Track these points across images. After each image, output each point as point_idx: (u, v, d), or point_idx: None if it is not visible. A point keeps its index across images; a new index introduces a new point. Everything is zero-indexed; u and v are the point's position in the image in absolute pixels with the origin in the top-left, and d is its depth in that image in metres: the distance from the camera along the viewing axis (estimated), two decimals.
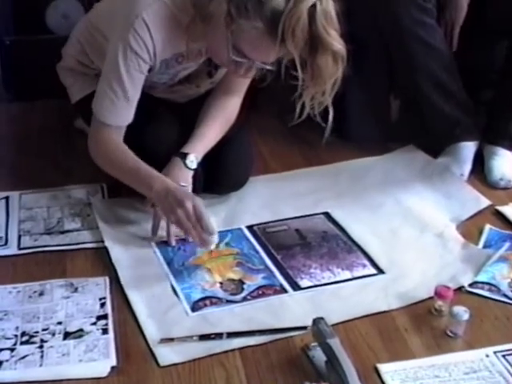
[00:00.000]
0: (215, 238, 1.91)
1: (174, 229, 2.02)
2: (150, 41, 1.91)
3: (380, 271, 1.96)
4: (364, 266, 1.98)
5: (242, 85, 2.21)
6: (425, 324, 1.77)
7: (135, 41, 1.91)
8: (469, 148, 2.47)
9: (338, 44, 1.76)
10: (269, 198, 2.28)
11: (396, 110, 2.77)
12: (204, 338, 1.69)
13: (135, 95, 2.00)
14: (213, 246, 1.93)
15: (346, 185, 2.37)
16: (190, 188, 2.06)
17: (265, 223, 2.16)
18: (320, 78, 1.81)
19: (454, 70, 2.48)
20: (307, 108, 1.87)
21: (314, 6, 1.70)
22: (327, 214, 2.20)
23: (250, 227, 2.13)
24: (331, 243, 2.07)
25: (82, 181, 2.32)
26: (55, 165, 2.44)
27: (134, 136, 2.05)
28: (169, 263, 1.96)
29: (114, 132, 2.04)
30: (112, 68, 1.97)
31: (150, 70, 2.01)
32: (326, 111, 1.89)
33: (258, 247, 2.04)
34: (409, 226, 2.15)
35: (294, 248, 2.05)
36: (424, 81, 2.45)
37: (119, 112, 2.02)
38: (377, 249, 2.04)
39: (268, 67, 1.88)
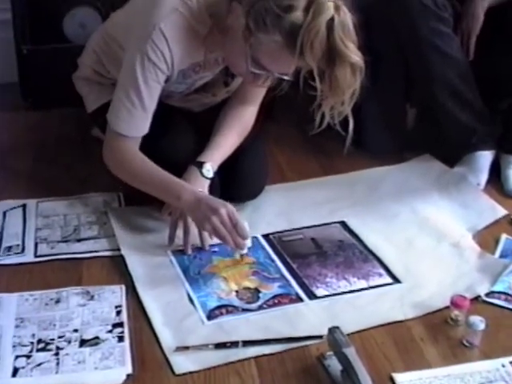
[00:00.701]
0: (248, 242, 1.93)
1: (189, 237, 2.03)
2: (167, 51, 1.92)
3: (396, 280, 1.96)
4: (380, 275, 1.98)
5: (258, 94, 2.21)
6: (441, 334, 1.77)
7: (153, 51, 1.92)
8: (485, 157, 2.46)
9: (355, 56, 1.77)
10: (285, 207, 2.28)
11: (412, 118, 2.77)
12: (219, 346, 1.69)
13: (152, 105, 2.01)
14: (245, 250, 1.94)
15: (362, 194, 2.37)
16: None
17: (281, 232, 2.16)
18: (338, 89, 1.81)
19: (471, 79, 2.48)
20: (327, 117, 1.87)
21: (332, 18, 1.71)
22: (343, 223, 2.20)
23: (265, 236, 2.14)
24: (347, 252, 2.07)
25: (98, 189, 2.33)
26: (72, 173, 2.45)
27: (150, 145, 2.05)
28: (185, 271, 1.97)
29: (130, 142, 2.04)
30: (129, 78, 1.98)
31: (167, 80, 2.01)
32: (345, 120, 1.89)
33: (273, 256, 2.05)
34: (425, 235, 2.15)
35: (310, 257, 2.05)
36: (440, 90, 2.45)
37: (136, 122, 2.02)
38: (393, 258, 2.04)
39: (286, 78, 1.90)
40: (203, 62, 2.04)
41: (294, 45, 1.73)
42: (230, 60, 2.01)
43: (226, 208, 1.90)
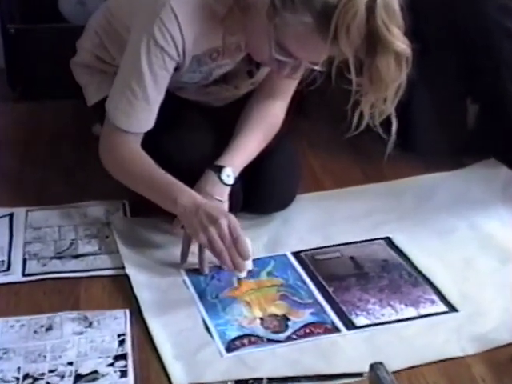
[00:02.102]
0: (249, 264, 1.93)
1: (206, 255, 2.02)
2: (178, 34, 1.93)
3: (452, 308, 1.95)
4: (432, 301, 1.97)
5: (288, 86, 2.22)
6: (506, 374, 1.75)
7: (161, 33, 1.92)
8: None
9: (401, 43, 1.75)
10: (319, 220, 2.29)
11: (473, 116, 2.76)
12: (241, 383, 1.70)
13: (157, 97, 2.02)
14: (244, 274, 1.95)
15: (411, 205, 2.38)
16: (226, 206, 2.08)
17: (314, 249, 2.17)
18: (380, 83, 1.80)
19: None
20: (366, 117, 1.87)
21: None
22: (388, 240, 2.21)
23: (296, 254, 2.15)
24: (393, 274, 2.07)
25: (99, 196, 2.35)
26: (68, 177, 2.48)
27: (160, 146, 2.07)
28: (200, 295, 1.97)
29: (130, 138, 2.06)
30: (132, 64, 1.99)
31: (177, 68, 2.02)
32: (387, 121, 1.89)
33: (305, 277, 2.05)
34: (487, 255, 2.14)
35: (349, 279, 2.05)
36: (511, 80, 2.45)
37: (138, 116, 2.03)
38: (448, 282, 2.04)
39: (317, 68, 1.89)
40: (222, 47, 2.05)
41: (327, 28, 1.71)
42: (251, 44, 2.01)
43: (227, 219, 1.90)
